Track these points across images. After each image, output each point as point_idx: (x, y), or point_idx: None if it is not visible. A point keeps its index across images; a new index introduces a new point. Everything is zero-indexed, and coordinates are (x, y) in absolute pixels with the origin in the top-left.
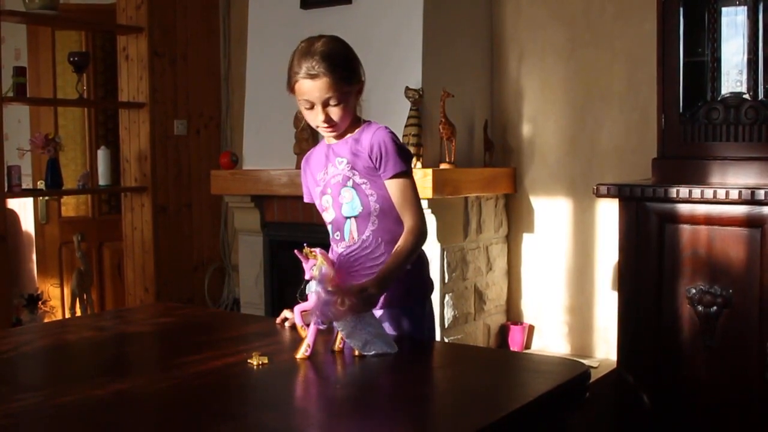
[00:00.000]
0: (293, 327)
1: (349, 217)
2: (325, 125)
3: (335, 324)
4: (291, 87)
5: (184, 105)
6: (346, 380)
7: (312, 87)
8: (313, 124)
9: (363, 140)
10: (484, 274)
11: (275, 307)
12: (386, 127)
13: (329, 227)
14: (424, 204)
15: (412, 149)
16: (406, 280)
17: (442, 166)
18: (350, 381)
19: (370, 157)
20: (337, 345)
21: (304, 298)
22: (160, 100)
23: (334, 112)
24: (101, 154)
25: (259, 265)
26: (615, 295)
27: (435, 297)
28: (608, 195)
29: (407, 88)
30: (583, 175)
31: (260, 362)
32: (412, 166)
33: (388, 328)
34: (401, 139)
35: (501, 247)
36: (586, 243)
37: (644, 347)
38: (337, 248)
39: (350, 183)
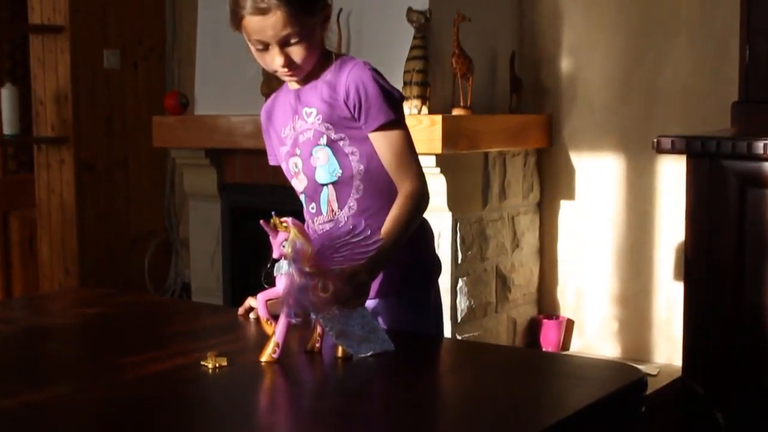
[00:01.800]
0: (259, 320)
1: (326, 184)
2: (286, 70)
3: (313, 317)
4: (236, 24)
5: (116, 31)
6: (326, 389)
7: (263, 24)
8: (270, 69)
9: (336, 82)
10: (509, 252)
11: (236, 294)
12: (366, 63)
13: (302, 198)
14: (431, 162)
15: (415, 90)
16: (404, 260)
17: (455, 112)
18: (332, 390)
19: (347, 105)
20: (313, 343)
21: (272, 283)
22: (84, 23)
23: (296, 52)
24: (5, 94)
25: (215, 239)
26: (680, 281)
27: (444, 282)
28: (672, 150)
29: (410, 10)
30: (639, 125)
31: (217, 365)
32: (409, 111)
33: (381, 323)
34: (401, 78)
35: (531, 218)
36: (642, 213)
37: (718, 350)
38: (313, 225)
39: (324, 140)
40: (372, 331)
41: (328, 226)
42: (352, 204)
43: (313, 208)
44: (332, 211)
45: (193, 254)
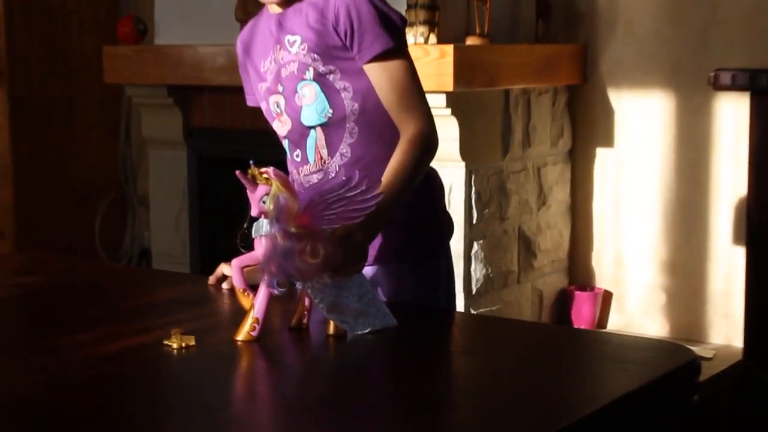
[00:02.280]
0: (233, 291)
1: (313, 127)
2: None
3: (299, 286)
4: None
5: None
6: (315, 374)
7: None
8: None
9: (324, 4)
10: (535, 211)
11: (206, 261)
12: None
13: (285, 144)
14: (440, 102)
15: (421, 14)
16: (408, 219)
17: (470, 41)
18: (322, 375)
19: (336, 31)
20: (299, 318)
21: (249, 247)
22: None
23: None
24: None
25: (180, 196)
26: (741, 246)
27: (456, 246)
28: (733, 87)
29: None
30: (692, 56)
31: (183, 345)
32: (414, 39)
33: (381, 295)
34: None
35: (561, 169)
36: (695, 163)
37: None
38: (299, 176)
39: (310, 74)
40: (370, 303)
41: (316, 178)
42: (344, 151)
43: (298, 156)
44: (321, 159)
45: (153, 214)
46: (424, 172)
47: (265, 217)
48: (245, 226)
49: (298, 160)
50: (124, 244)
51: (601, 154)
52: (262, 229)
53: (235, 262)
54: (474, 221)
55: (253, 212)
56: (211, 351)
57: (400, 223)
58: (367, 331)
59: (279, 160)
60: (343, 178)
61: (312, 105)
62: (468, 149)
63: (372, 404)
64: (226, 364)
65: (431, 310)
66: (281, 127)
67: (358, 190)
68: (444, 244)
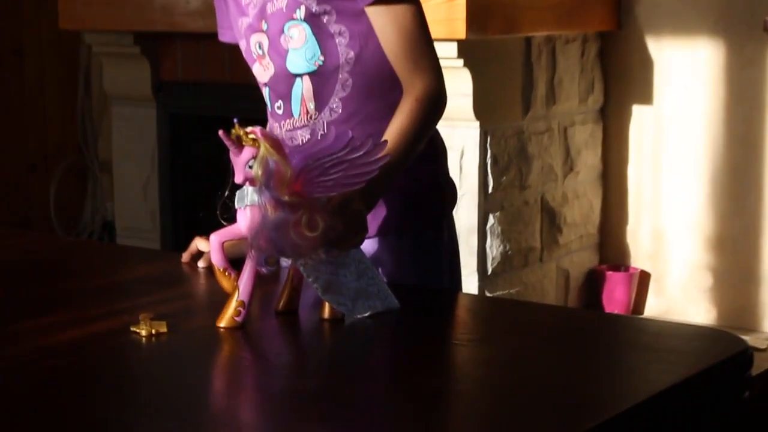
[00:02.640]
0: (212, 270)
1: (300, 75)
2: None
3: (284, 263)
4: None
5: None
6: (306, 365)
7: None
8: None
9: None
10: (560, 178)
11: (179, 235)
12: None
13: (265, 92)
14: (451, 51)
15: None
16: (407, 187)
17: None
18: (315, 366)
19: None
20: (287, 301)
21: (231, 218)
22: None
23: None
24: None
25: (149, 160)
26: None
27: (469, 219)
28: None
29: None
30: None
31: (153, 332)
32: None
33: (380, 270)
34: None
35: (591, 129)
36: (747, 122)
37: None
38: (280, 131)
39: (301, 13)
40: (370, 282)
41: (300, 135)
42: (335, 105)
43: (279, 108)
44: (307, 113)
45: (117, 181)
46: (429, 134)
47: (252, 184)
48: (226, 194)
49: (280, 112)
50: (84, 217)
51: (637, 111)
52: (246, 198)
53: (213, 236)
54: (490, 190)
55: (237, 179)
56: (186, 339)
57: (399, 191)
58: (367, 314)
59: (265, 118)
60: (343, 138)
61: (300, 49)
62: (483, 107)
63: (372, 400)
64: (204, 355)
65: (437, 292)
66: (262, 72)
67: (361, 152)
68: (447, 215)
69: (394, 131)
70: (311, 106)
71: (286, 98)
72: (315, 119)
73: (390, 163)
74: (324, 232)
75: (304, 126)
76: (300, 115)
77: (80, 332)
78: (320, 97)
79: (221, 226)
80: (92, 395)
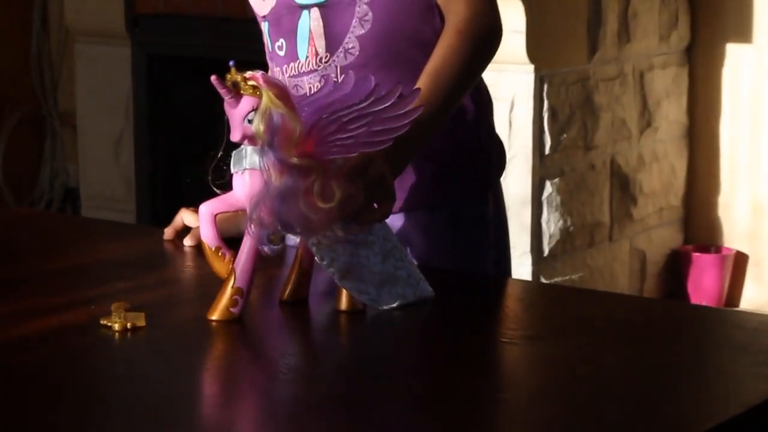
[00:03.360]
0: (201, 249)
1: (307, 6)
2: None
3: (291, 241)
4: None
5: None
6: (319, 367)
7: None
8: None
9: None
10: (635, 136)
11: (159, 205)
12: None
13: (263, 27)
14: None
15: None
16: (442, 149)
17: None
18: (329, 369)
19: None
20: (295, 288)
21: (225, 185)
22: None
23: None
24: None
25: (122, 112)
26: None
27: (519, 186)
28: None
29: None
30: None
31: (129, 325)
32: None
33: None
34: None
35: (675, 75)
36: None
37: None
38: (283, 77)
39: None
40: (399, 265)
41: (308, 82)
42: (351, 46)
43: (281, 49)
44: (316, 55)
45: (82, 138)
46: (477, 79)
47: (252, 143)
48: (219, 155)
49: (282, 54)
50: (41, 182)
51: (732, 53)
52: (245, 160)
53: (204, 207)
54: (546, 151)
55: (234, 136)
56: (169, 335)
57: (432, 154)
58: (394, 305)
59: (264, 62)
60: (366, 85)
61: None
62: (539, 47)
63: (399, 411)
64: (191, 355)
65: (480, 278)
66: (260, 2)
67: (388, 103)
68: (493, 184)
69: (429, 75)
70: (321, 45)
71: (290, 36)
72: (326, 63)
73: (424, 116)
74: (341, 203)
75: (312, 71)
76: (307, 57)
77: (37, 327)
78: (332, 35)
79: (213, 195)
80: (53, 404)
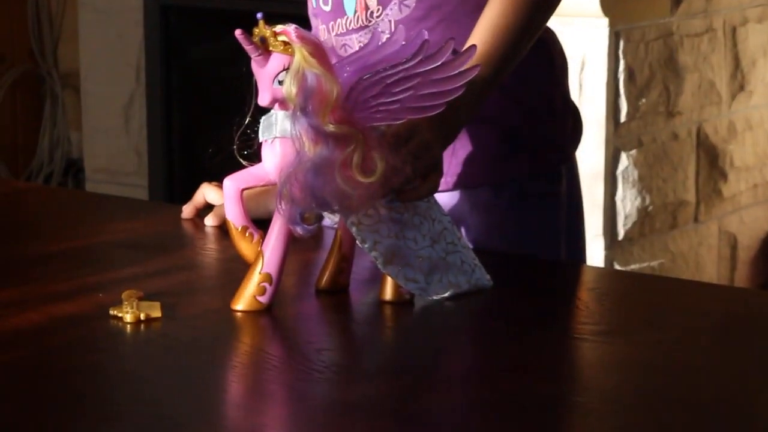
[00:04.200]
0: (226, 230)
1: None
2: None
3: (329, 221)
4: None
5: None
6: (359, 366)
7: None
8: None
9: None
10: (725, 101)
11: (176, 179)
12: None
13: None
14: None
15: None
16: (505, 116)
17: None
18: (372, 368)
19: None
20: (334, 275)
21: (253, 156)
22: None
23: None
24: None
25: (133, 72)
26: None
27: (590, 159)
28: None
29: None
30: None
31: (143, 316)
32: None
33: (464, 235)
34: None
35: None
36: None
37: None
38: (328, 36)
39: None
40: (451, 250)
41: (357, 41)
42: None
43: (326, 3)
44: (366, 9)
45: (87, 101)
46: (542, 28)
47: (283, 107)
48: (246, 121)
49: (327, 9)
50: (39, 152)
51: None
52: (276, 126)
53: (229, 181)
54: (622, 118)
55: (262, 99)
56: (188, 328)
57: (496, 122)
58: (446, 294)
59: (302, 15)
60: (415, 42)
61: None
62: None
63: (452, 416)
64: (213, 351)
65: (548, 265)
66: None
67: (439, 63)
68: (567, 157)
69: (484, 28)
70: (372, 1)
71: None
72: (377, 17)
73: (480, 77)
74: (383, 177)
75: (361, 28)
76: (356, 11)
77: (37, 318)
78: None
79: (238, 168)
80: (55, 405)
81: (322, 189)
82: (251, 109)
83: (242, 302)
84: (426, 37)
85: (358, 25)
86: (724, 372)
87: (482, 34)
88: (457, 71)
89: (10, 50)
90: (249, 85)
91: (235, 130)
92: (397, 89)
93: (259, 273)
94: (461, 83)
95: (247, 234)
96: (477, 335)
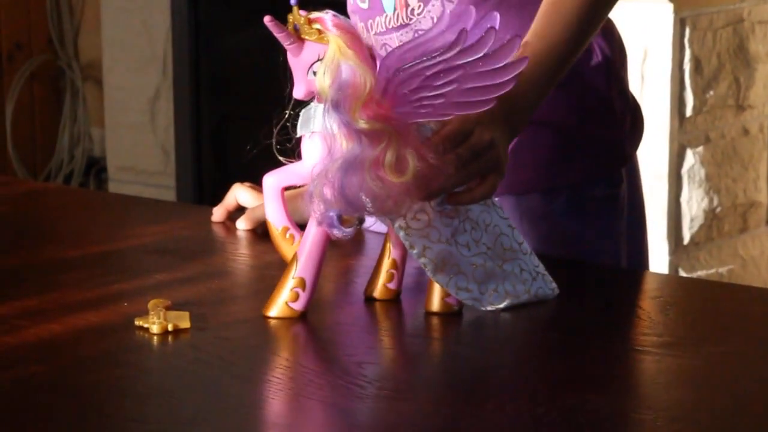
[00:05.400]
0: (257, 233)
1: None
2: None
3: (372, 223)
4: None
5: None
6: (408, 381)
7: None
8: None
9: None
10: None
11: (206, 179)
12: None
13: None
14: None
15: None
16: (565, 111)
17: None
18: (420, 384)
19: None
20: (383, 283)
21: (291, 152)
22: None
23: None
24: None
25: (158, 64)
26: None
27: (653, 158)
28: None
29: None
30: None
31: (170, 327)
32: None
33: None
34: None
35: None
36: None
37: None
38: (367, 35)
39: None
40: (509, 257)
41: (397, 38)
42: None
43: (363, 1)
44: (406, 6)
45: (109, 97)
46: (606, 15)
47: (318, 99)
48: (286, 114)
49: (364, 6)
50: (58, 150)
51: None
52: (314, 120)
53: (268, 179)
54: (688, 112)
55: (296, 92)
56: (218, 339)
57: (547, 120)
58: (502, 305)
59: (340, 1)
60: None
61: None
62: None
63: None
64: (245, 363)
65: (606, 272)
66: None
67: (480, 54)
68: (627, 157)
69: (543, 15)
70: None
71: None
72: (419, 15)
73: (538, 69)
74: (421, 177)
75: (402, 26)
76: (395, 9)
77: (59, 328)
78: None
79: (274, 166)
80: (78, 421)
81: (350, 188)
82: (289, 102)
83: (274, 309)
84: (472, 18)
85: (398, 24)
86: None
87: (540, 22)
88: (503, 63)
89: (27, 39)
90: (285, 76)
91: (274, 124)
92: (439, 82)
93: (293, 278)
94: (510, 76)
95: (287, 235)
96: (531, 348)
